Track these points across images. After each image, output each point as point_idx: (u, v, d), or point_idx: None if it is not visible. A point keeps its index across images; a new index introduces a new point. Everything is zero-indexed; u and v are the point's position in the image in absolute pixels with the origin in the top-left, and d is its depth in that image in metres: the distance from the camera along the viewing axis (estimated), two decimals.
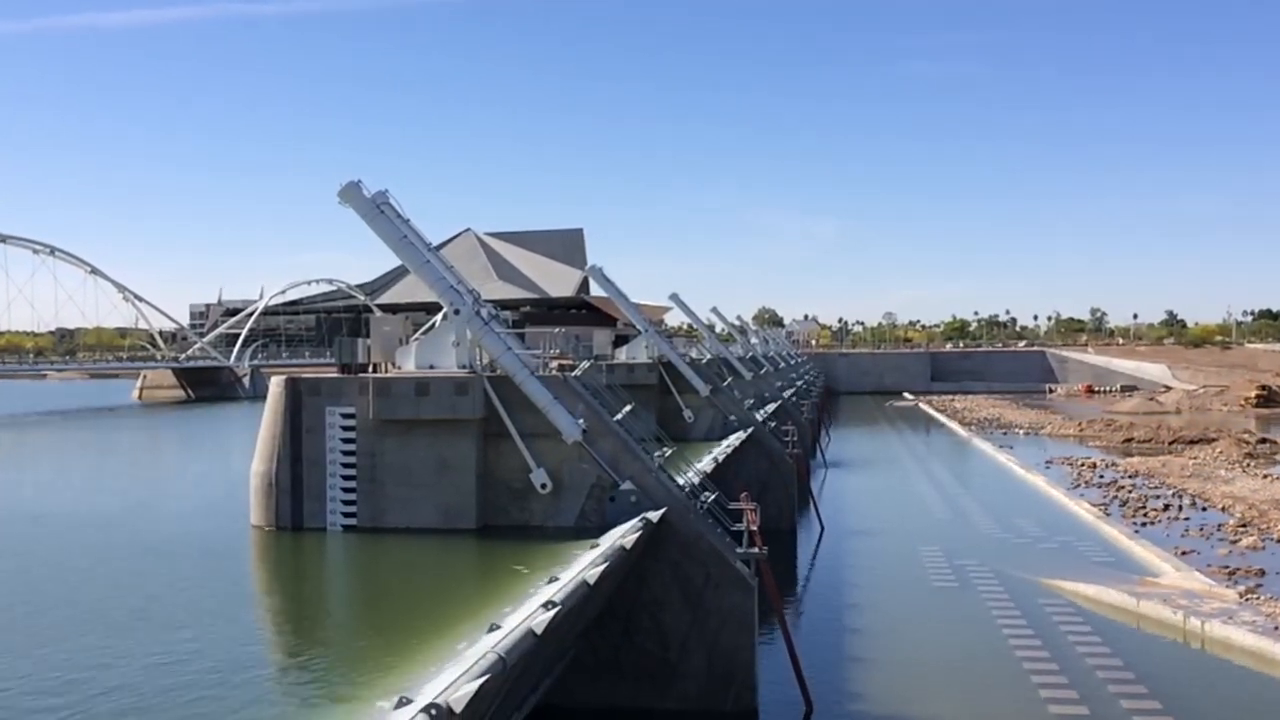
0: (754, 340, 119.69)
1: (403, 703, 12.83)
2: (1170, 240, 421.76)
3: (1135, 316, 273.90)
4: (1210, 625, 30.69)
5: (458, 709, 12.57)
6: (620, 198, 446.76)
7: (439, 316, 30.84)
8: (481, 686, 13.14)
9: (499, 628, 15.91)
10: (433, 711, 12.26)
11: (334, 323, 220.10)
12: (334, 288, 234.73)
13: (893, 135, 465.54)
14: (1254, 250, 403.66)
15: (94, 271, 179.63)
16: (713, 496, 28.51)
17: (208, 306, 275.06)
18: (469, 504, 27.97)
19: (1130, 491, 58.32)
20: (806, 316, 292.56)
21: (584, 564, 20.37)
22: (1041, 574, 38.60)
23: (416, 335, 31.64)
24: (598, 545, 22.43)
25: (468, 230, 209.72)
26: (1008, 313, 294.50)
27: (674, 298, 77.81)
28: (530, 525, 27.95)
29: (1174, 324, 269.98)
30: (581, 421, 27.07)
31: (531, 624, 16.03)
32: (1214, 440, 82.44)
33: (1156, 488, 59.71)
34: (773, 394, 77.19)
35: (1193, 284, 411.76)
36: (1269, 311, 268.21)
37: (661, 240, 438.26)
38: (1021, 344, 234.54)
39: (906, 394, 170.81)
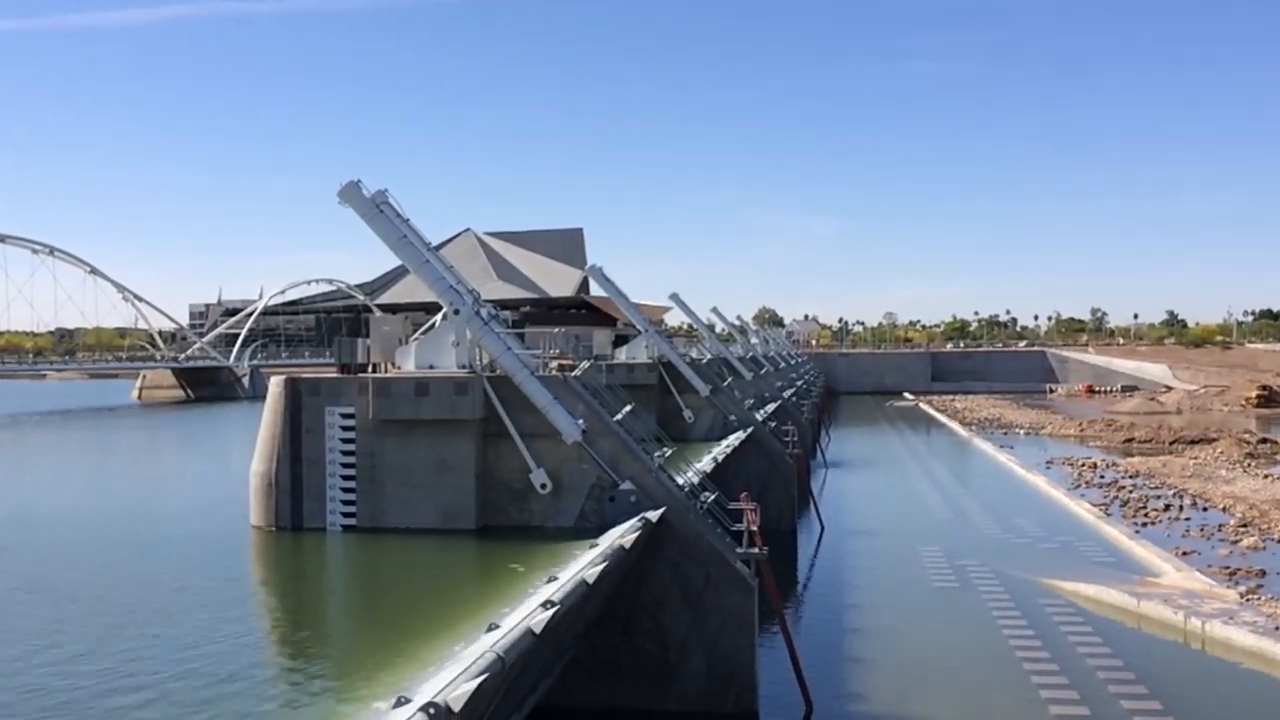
0: (754, 340, 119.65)
1: (401, 702, 12.80)
2: (1170, 240, 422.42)
3: (1136, 316, 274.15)
4: (1211, 626, 30.64)
5: (456, 708, 12.53)
6: (620, 198, 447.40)
7: (439, 316, 30.81)
8: (480, 686, 13.10)
9: (498, 627, 15.88)
10: (431, 711, 12.22)
11: (334, 323, 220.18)
12: (334, 288, 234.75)
13: (893, 135, 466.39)
14: (1254, 250, 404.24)
15: (93, 271, 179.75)
16: (713, 497, 28.47)
17: (207, 306, 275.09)
18: (468, 504, 27.94)
19: (1131, 492, 58.28)
20: (806, 316, 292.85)
21: (583, 564, 20.33)
22: (1042, 574, 38.57)
23: (416, 335, 31.61)
24: (597, 545, 22.39)
25: (467, 230, 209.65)
26: (1008, 313, 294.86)
27: (674, 298, 77.77)
28: (530, 525, 27.91)
29: (1174, 324, 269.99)
30: (581, 421, 27.03)
31: (530, 623, 16.00)
32: (1215, 440, 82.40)
33: (1157, 488, 59.66)
34: (773, 394, 77.14)
35: (1193, 284, 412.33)
36: (1269, 311, 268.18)
37: (661, 240, 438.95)
38: (1022, 344, 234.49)
39: (907, 394, 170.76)
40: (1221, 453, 74.31)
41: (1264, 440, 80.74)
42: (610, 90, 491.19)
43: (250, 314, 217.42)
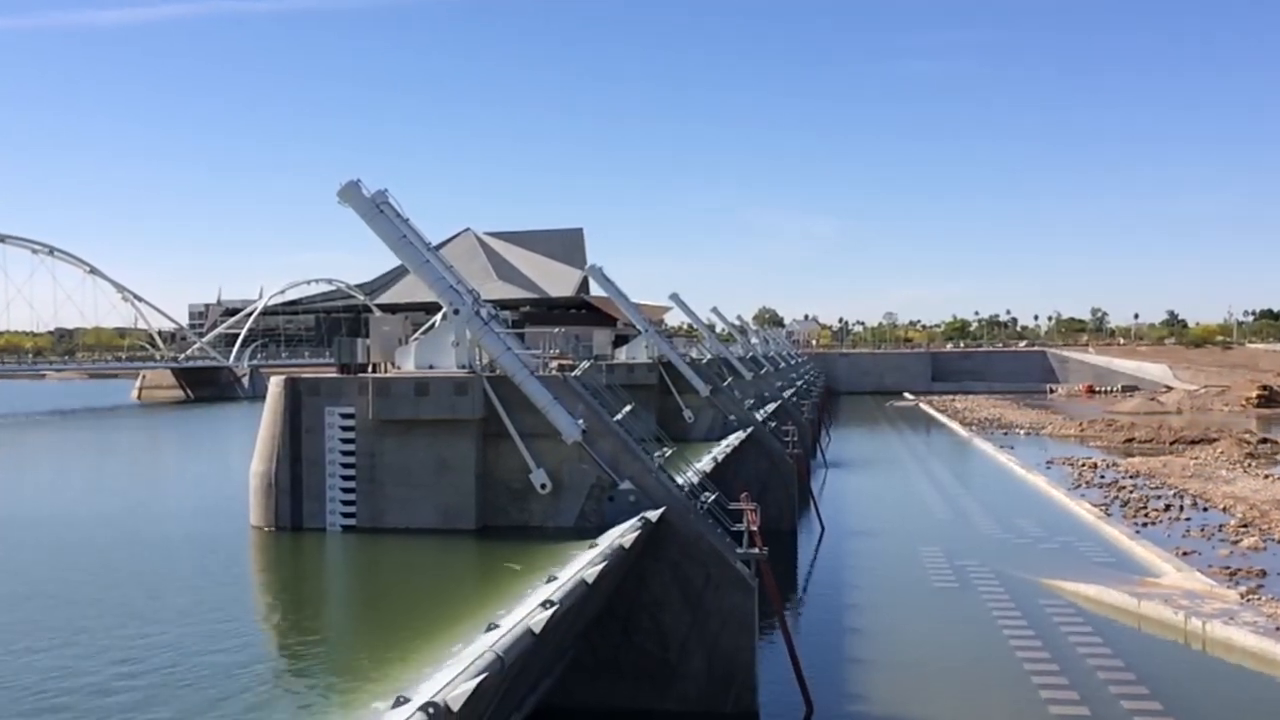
0: (754, 340, 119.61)
1: (400, 702, 12.78)
2: (1170, 240, 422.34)
3: (1136, 316, 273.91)
4: (1211, 626, 30.62)
5: (455, 707, 12.51)
6: (620, 198, 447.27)
7: (438, 316, 30.80)
8: (479, 685, 13.08)
9: (497, 627, 15.86)
10: (430, 710, 12.20)
11: (333, 323, 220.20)
12: (333, 288, 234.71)
13: (893, 135, 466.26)
14: (1255, 250, 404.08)
15: (93, 271, 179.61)
16: (713, 497, 28.43)
17: (207, 306, 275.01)
18: (468, 504, 27.91)
19: (1131, 492, 58.24)
20: (807, 316, 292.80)
21: (582, 563, 20.31)
22: (1042, 574, 38.54)
23: (416, 335, 31.58)
24: (596, 545, 22.36)
25: (467, 230, 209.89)
26: (1008, 313, 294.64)
27: (674, 298, 77.77)
28: (530, 526, 27.88)
29: (1175, 324, 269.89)
30: (581, 422, 27.01)
31: (529, 623, 15.98)
32: (1215, 440, 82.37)
33: (1157, 488, 59.63)
34: (773, 394, 77.12)
35: (1193, 284, 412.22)
36: (1270, 311, 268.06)
37: (661, 240, 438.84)
38: (1022, 344, 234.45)
39: (907, 394, 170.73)
40: (1222, 453, 74.29)
41: (1264, 440, 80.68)
42: (610, 90, 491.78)
43: (250, 314, 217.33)
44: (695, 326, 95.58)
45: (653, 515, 24.86)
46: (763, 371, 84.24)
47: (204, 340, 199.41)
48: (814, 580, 42.28)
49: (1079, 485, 62.74)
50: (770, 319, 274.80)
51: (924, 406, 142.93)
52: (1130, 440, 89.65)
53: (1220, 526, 47.12)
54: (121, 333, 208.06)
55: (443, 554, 26.42)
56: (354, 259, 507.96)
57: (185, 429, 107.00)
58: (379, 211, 28.83)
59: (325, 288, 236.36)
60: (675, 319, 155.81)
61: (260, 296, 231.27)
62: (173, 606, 21.39)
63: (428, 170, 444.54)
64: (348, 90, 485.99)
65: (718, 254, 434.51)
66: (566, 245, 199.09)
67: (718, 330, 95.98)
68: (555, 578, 19.27)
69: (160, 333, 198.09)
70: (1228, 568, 38.63)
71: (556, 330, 42.52)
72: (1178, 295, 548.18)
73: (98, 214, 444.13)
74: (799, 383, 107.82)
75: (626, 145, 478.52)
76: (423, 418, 27.88)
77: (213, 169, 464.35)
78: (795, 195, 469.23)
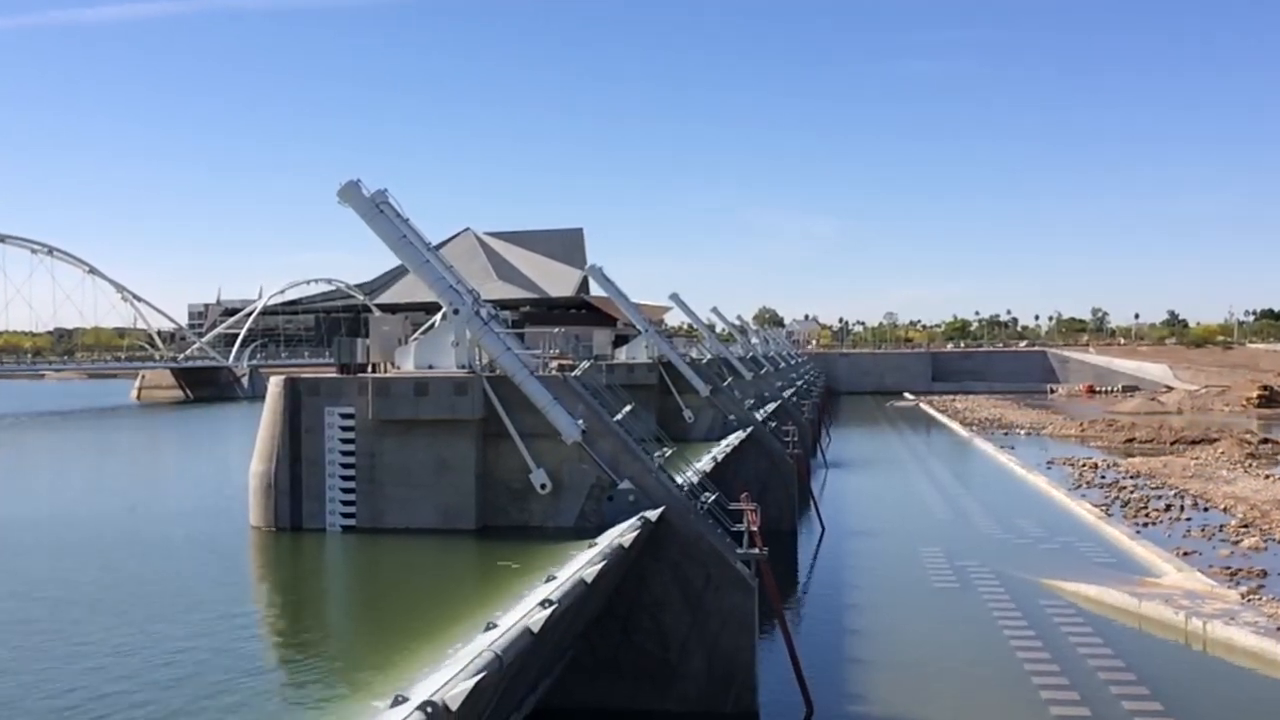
0: (754, 340, 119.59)
1: (399, 701, 12.73)
2: (1170, 240, 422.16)
3: (1136, 316, 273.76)
4: (1212, 626, 30.58)
5: (454, 707, 12.48)
6: (620, 198, 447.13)
7: (438, 316, 30.76)
8: (477, 685, 13.05)
9: (496, 627, 15.82)
10: (428, 709, 12.16)
11: (333, 323, 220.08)
12: (333, 287, 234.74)
13: (893, 135, 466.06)
14: (1255, 250, 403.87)
15: (92, 271, 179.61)
16: (713, 497, 28.41)
17: (206, 306, 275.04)
18: (468, 504, 27.88)
19: (1132, 492, 58.20)
20: (807, 316, 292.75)
21: (581, 563, 20.28)
22: (1042, 575, 38.50)
23: (416, 335, 31.55)
24: (596, 544, 22.33)
25: (467, 230, 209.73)
26: (1008, 313, 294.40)
27: (674, 298, 77.74)
28: (530, 526, 27.86)
29: (1175, 324, 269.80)
30: (581, 422, 26.98)
31: (528, 623, 15.94)
32: (1216, 440, 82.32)
33: (1158, 488, 59.59)
34: (773, 394, 77.09)
35: (1194, 284, 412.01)
36: (1270, 311, 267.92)
37: (661, 240, 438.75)
38: (1022, 344, 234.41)
39: (907, 394, 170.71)
40: (1222, 453, 74.25)
41: (1265, 440, 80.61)
42: (610, 90, 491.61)
43: (249, 314, 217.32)
44: (695, 326, 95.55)
45: (652, 515, 24.83)
46: (763, 371, 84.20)
47: (203, 340, 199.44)
48: (814, 580, 42.25)
49: (1079, 485, 62.71)
50: (770, 319, 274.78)
51: (924, 406, 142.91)
52: (1131, 440, 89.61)
53: (1221, 527, 47.09)
54: (121, 333, 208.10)
55: (442, 554, 26.39)
56: (354, 259, 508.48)
57: (184, 429, 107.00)
58: (379, 211, 28.81)
59: (325, 288, 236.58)
60: (675, 319, 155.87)
61: (260, 296, 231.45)
62: (171, 607, 21.35)
63: (428, 170, 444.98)
64: (347, 90, 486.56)
65: (718, 254, 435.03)
66: (566, 245, 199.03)
67: (718, 330, 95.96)
68: (554, 577, 19.23)
69: (160, 333, 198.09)
70: (1228, 568, 38.60)
71: (556, 330, 42.47)
72: (1178, 295, 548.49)
73: (97, 214, 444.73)
74: (799, 383, 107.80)
75: (626, 145, 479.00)
76: (422, 418, 27.85)
77: (212, 169, 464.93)
78: (795, 195, 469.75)
